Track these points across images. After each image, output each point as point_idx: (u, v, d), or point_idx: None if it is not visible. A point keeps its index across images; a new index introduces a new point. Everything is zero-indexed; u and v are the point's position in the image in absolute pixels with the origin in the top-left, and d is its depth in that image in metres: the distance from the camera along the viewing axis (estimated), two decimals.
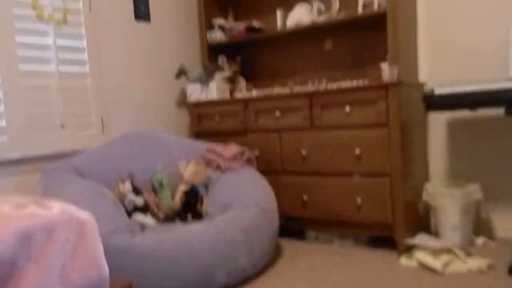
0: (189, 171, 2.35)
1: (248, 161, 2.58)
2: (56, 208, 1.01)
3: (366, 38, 2.88)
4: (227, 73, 3.10)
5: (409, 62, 2.65)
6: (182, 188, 2.34)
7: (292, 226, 2.75)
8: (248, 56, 3.35)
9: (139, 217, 2.17)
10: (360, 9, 2.69)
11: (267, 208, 2.24)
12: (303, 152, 2.63)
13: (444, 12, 2.73)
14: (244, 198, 2.26)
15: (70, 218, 1.00)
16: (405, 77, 2.53)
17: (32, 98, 2.35)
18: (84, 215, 1.06)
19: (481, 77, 2.60)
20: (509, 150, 2.58)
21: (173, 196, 2.42)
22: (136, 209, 2.21)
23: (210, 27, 3.25)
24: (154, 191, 2.33)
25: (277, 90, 2.92)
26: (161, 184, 2.30)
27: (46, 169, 2.21)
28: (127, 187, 2.16)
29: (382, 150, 2.38)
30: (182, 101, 3.25)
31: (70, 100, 2.51)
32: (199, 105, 3.04)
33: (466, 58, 2.66)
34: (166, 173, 2.42)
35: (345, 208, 2.53)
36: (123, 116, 2.87)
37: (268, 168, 2.80)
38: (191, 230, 1.94)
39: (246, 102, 2.86)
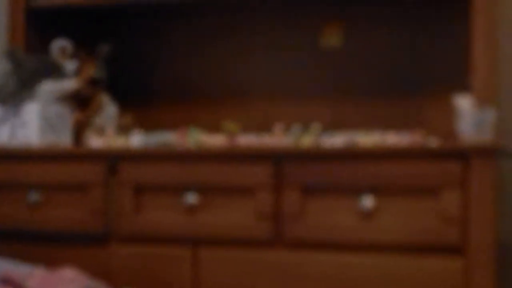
0: None
1: None
2: None
3: (420, 31, 2.60)
4: (71, 82, 2.72)
5: None
6: None
7: None
8: (129, 44, 2.95)
9: None
10: None
11: None
12: None
13: None
14: None
15: None
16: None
17: None
18: None
19: None
20: None
21: None
22: None
23: None
24: None
25: (195, 137, 2.50)
26: None
27: None
28: None
29: None
30: None
31: None
32: None
33: None
34: None
35: None
36: None
37: None
38: None
39: (113, 161, 2.41)
